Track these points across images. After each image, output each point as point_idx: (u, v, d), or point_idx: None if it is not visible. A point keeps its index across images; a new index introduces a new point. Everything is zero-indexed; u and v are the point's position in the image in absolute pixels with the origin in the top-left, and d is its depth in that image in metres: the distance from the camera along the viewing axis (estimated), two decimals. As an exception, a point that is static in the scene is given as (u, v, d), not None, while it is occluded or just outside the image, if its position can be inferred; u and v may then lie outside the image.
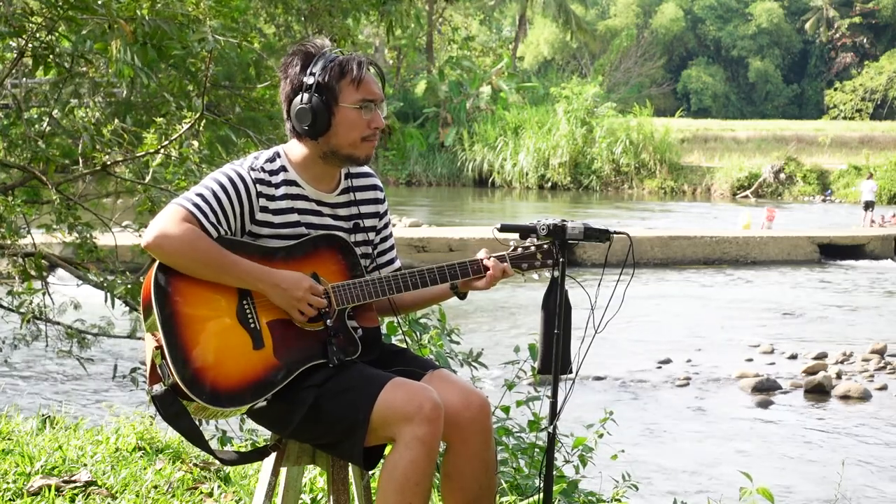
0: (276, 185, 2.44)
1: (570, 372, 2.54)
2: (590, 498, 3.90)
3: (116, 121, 6.14)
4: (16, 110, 5.69)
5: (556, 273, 2.53)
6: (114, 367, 6.78)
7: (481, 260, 2.54)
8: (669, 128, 38.46)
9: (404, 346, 2.85)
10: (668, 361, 11.28)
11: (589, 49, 53.71)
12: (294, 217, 2.45)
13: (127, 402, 6.85)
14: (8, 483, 3.28)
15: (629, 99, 44.10)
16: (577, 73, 50.45)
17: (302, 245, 2.44)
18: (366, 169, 2.61)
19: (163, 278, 2.32)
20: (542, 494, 2.52)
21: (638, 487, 4.10)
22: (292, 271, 2.39)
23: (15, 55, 5.50)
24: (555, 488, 3.36)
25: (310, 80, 2.41)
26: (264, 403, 2.37)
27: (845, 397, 10.12)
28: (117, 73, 5.12)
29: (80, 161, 5.99)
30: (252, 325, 2.35)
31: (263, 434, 4.24)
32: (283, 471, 2.53)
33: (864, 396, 10.12)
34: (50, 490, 3.20)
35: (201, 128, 5.87)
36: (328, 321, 2.41)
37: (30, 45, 5.12)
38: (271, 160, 2.47)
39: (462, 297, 2.59)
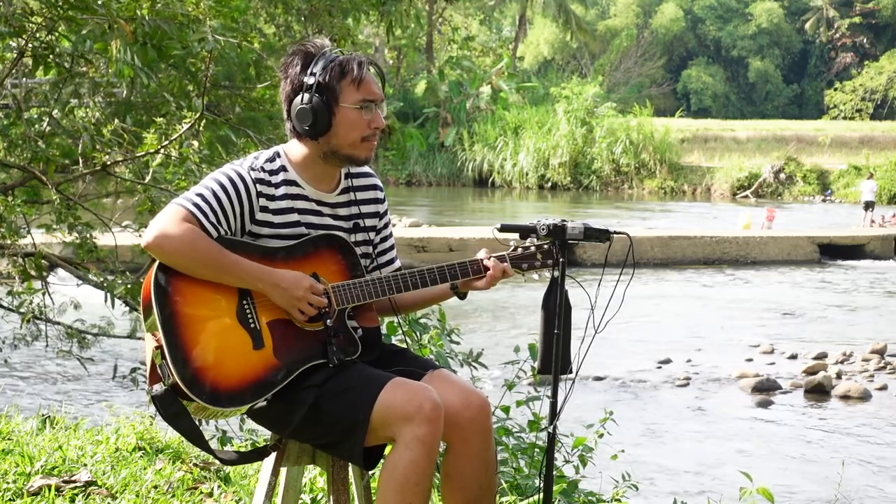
0: (276, 185, 2.44)
1: (570, 372, 2.53)
2: (590, 498, 3.90)
3: (116, 121, 6.14)
4: (16, 110, 5.69)
5: (556, 273, 2.53)
6: (114, 367, 6.79)
7: (481, 260, 2.54)
8: (669, 128, 38.47)
9: (404, 346, 2.85)
10: (668, 361, 11.28)
11: (589, 49, 53.71)
12: (294, 217, 2.45)
13: (127, 402, 6.85)
14: (8, 483, 3.28)
15: (629, 99, 44.11)
16: (577, 73, 50.45)
17: (302, 245, 2.44)
18: (366, 169, 2.61)
19: (163, 278, 2.32)
20: (542, 494, 2.52)
21: (638, 487, 4.10)
22: (292, 271, 2.39)
23: (15, 55, 5.50)
24: (555, 488, 3.36)
25: (310, 80, 2.41)
26: (264, 403, 2.37)
27: (845, 397, 10.12)
28: (117, 73, 5.12)
29: (80, 161, 5.99)
30: (252, 325, 2.35)
31: (263, 434, 4.24)
32: (283, 471, 2.53)
33: (864, 396, 10.12)
34: (50, 490, 3.20)
35: (201, 128, 5.87)
36: (328, 321, 2.41)
37: (30, 45, 5.12)
38: (271, 160, 2.47)
39: (462, 297, 2.59)
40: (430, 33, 42.75)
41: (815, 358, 11.53)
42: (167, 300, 2.31)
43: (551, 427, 2.49)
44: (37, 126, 5.96)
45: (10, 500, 3.17)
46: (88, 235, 5.91)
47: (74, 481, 3.30)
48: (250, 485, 3.55)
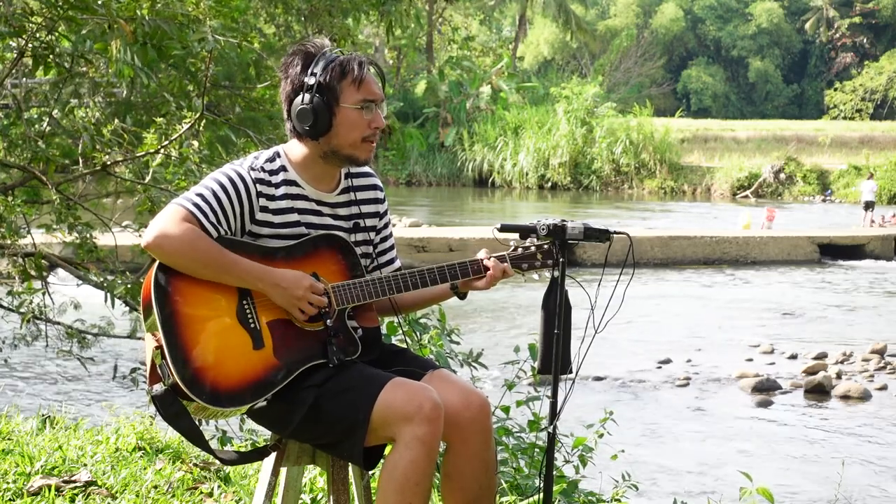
0: (276, 185, 2.44)
1: (570, 372, 2.53)
2: (590, 498, 3.90)
3: (116, 121, 6.14)
4: (16, 110, 5.69)
5: (556, 273, 2.53)
6: (114, 367, 6.79)
7: (481, 260, 2.54)
8: (669, 128, 38.48)
9: (404, 346, 2.85)
10: (668, 361, 11.28)
11: (589, 49, 53.71)
12: (294, 217, 2.45)
13: (127, 402, 6.86)
14: (8, 483, 3.28)
15: (629, 99, 44.11)
16: (577, 73, 50.46)
17: (302, 245, 2.44)
18: (366, 169, 2.61)
19: (163, 278, 2.32)
20: (542, 494, 2.52)
21: (638, 487, 4.10)
22: (292, 270, 2.39)
23: (15, 55, 5.50)
24: (555, 488, 3.36)
25: (311, 81, 2.41)
26: (264, 403, 2.37)
27: (845, 397, 10.12)
28: (117, 73, 5.12)
29: (80, 161, 5.99)
30: (252, 325, 2.35)
31: (263, 434, 4.24)
32: (283, 471, 2.53)
33: (864, 396, 10.12)
34: (50, 490, 3.20)
35: (201, 128, 5.87)
36: (328, 321, 2.41)
37: (30, 45, 5.12)
38: (271, 160, 2.47)
39: (462, 297, 2.59)
40: (430, 33, 42.75)
41: (815, 358, 11.53)
42: (167, 300, 2.31)
43: (551, 427, 2.49)
44: (37, 126, 5.96)
45: (10, 500, 3.17)
46: (88, 235, 5.91)
47: (74, 481, 3.30)
48: (250, 485, 3.55)
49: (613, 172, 37.84)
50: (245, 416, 2.82)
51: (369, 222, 2.59)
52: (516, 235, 2.57)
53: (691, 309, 14.86)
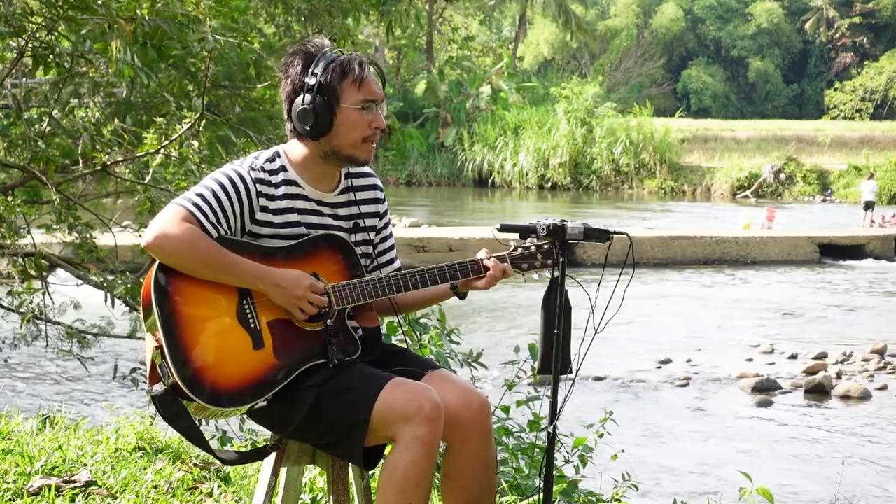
0: (276, 185, 2.44)
1: (570, 372, 2.53)
2: (590, 498, 3.90)
3: (116, 121, 6.14)
4: (16, 110, 5.69)
5: (556, 273, 2.53)
6: (114, 367, 6.79)
7: (481, 260, 2.54)
8: (669, 128, 38.48)
9: (404, 346, 2.85)
10: (668, 361, 11.28)
11: (589, 49, 53.71)
12: (294, 217, 2.45)
13: (127, 402, 6.86)
14: (8, 483, 3.28)
15: (629, 99, 44.12)
16: (577, 73, 50.46)
17: (302, 245, 2.44)
18: (366, 169, 2.61)
19: (163, 278, 2.32)
20: (542, 494, 2.52)
21: (638, 487, 4.10)
22: (292, 270, 2.39)
23: (15, 55, 5.50)
24: (555, 488, 3.36)
25: (312, 81, 2.41)
26: (264, 403, 2.37)
27: (845, 397, 10.12)
28: (117, 73, 5.12)
29: (80, 161, 5.99)
30: (252, 325, 2.35)
31: (263, 434, 4.24)
32: (283, 471, 2.53)
33: (865, 396, 10.12)
34: (50, 490, 3.20)
35: (201, 128, 5.87)
36: (328, 321, 2.41)
37: (30, 45, 5.12)
38: (271, 160, 2.47)
39: (462, 297, 2.59)
40: (430, 33, 42.76)
41: (815, 358, 11.54)
42: (167, 300, 2.31)
43: (551, 427, 2.49)
44: (37, 126, 5.96)
45: (10, 500, 3.17)
46: (88, 235, 5.91)
47: (74, 481, 3.30)
48: (250, 485, 3.55)
49: (613, 172, 37.85)
50: (245, 416, 2.82)
51: (369, 222, 2.59)
52: (516, 235, 2.57)
53: (691, 309, 14.85)
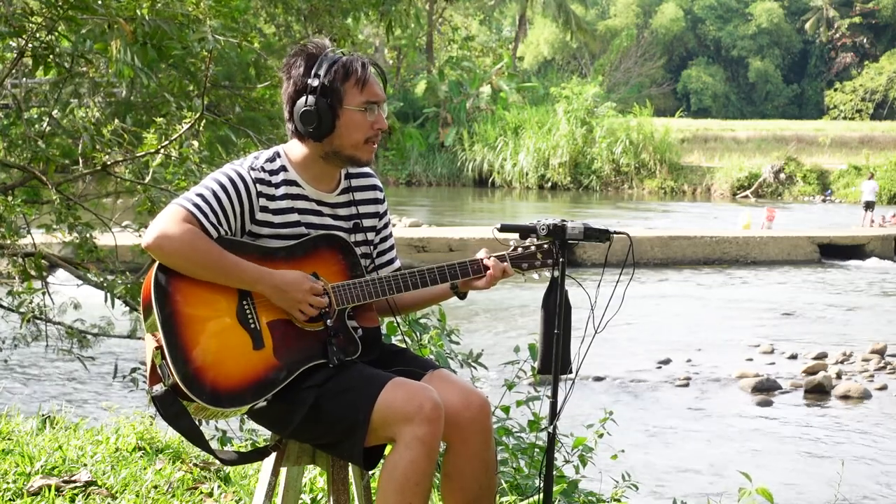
0: (276, 185, 2.44)
1: (570, 372, 2.53)
2: (590, 498, 3.90)
3: (116, 121, 6.14)
4: (16, 110, 5.69)
5: (556, 273, 2.53)
6: (114, 367, 6.79)
7: (481, 260, 2.54)
8: (669, 128, 38.49)
9: (404, 346, 2.85)
10: (668, 361, 11.28)
11: (589, 49, 53.70)
12: (294, 217, 2.45)
13: (127, 402, 6.85)
14: (8, 483, 3.28)
15: (629, 99, 44.12)
16: (577, 73, 50.46)
17: (302, 245, 2.44)
18: (366, 169, 2.61)
19: (163, 278, 2.32)
20: (542, 494, 2.52)
21: (638, 487, 4.09)
22: (292, 271, 2.39)
23: (15, 55, 5.50)
24: (555, 488, 3.36)
25: (314, 82, 2.41)
26: (264, 404, 2.37)
27: (845, 397, 10.12)
28: (117, 73, 5.13)
29: (80, 161, 5.99)
30: (252, 326, 2.35)
31: (263, 434, 4.24)
32: (283, 471, 2.53)
33: (864, 396, 10.12)
34: (50, 490, 3.20)
35: (201, 128, 5.87)
36: (328, 321, 2.41)
37: (30, 45, 5.12)
38: (271, 160, 2.47)
39: (462, 297, 2.59)
40: (430, 33, 42.76)
41: (815, 358, 11.54)
42: (167, 300, 2.31)
43: (551, 427, 2.49)
44: (37, 126, 5.96)
45: (10, 500, 3.17)
46: (88, 235, 5.90)
47: (74, 481, 3.30)
48: (250, 485, 3.55)
49: (613, 172, 37.84)
50: (245, 416, 2.82)
51: (369, 222, 2.59)
52: (516, 235, 2.57)
53: (691, 309, 14.86)
